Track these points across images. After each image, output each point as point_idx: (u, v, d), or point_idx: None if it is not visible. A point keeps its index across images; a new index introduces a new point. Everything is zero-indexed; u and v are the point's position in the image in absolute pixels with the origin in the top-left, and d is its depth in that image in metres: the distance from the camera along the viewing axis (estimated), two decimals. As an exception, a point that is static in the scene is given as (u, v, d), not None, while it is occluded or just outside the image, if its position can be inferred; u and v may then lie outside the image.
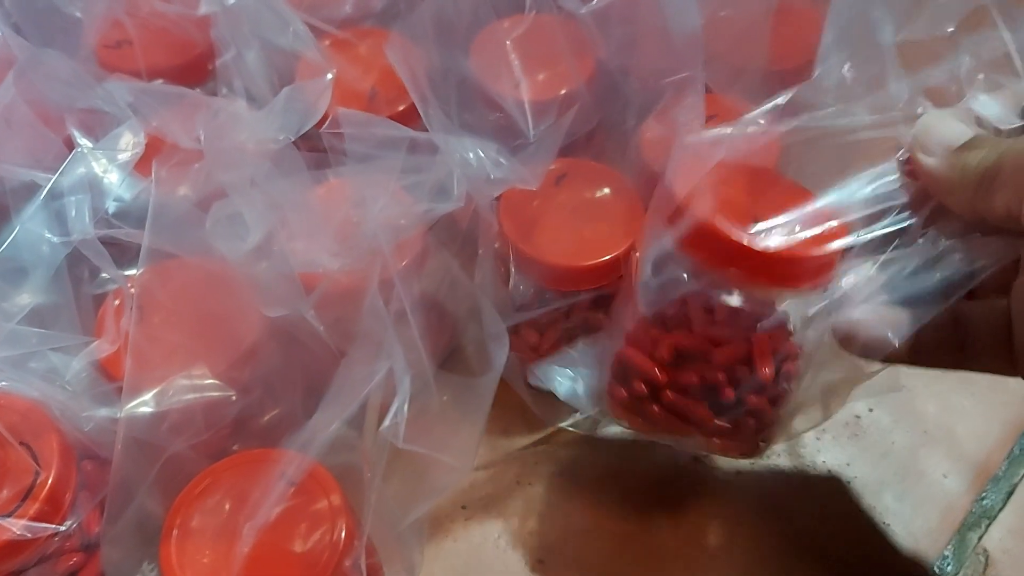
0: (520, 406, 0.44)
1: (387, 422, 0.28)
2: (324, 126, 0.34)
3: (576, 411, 0.45)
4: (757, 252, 0.31)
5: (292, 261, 0.30)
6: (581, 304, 0.43)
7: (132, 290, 0.33)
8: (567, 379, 0.40)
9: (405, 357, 0.28)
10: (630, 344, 0.37)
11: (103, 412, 0.34)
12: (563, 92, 0.42)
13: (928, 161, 0.31)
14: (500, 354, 0.32)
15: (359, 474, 0.33)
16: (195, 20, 0.45)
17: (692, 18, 0.32)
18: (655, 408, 0.37)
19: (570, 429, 0.45)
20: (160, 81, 0.47)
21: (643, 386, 0.37)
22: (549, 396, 0.44)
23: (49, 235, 0.31)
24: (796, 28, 0.46)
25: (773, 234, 0.31)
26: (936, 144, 0.31)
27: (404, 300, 0.29)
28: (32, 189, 0.36)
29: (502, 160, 0.36)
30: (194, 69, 0.48)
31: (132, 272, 0.35)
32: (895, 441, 0.46)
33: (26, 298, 0.32)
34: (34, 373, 0.34)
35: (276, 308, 0.31)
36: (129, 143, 0.33)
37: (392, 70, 0.47)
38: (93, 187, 0.31)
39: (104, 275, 0.39)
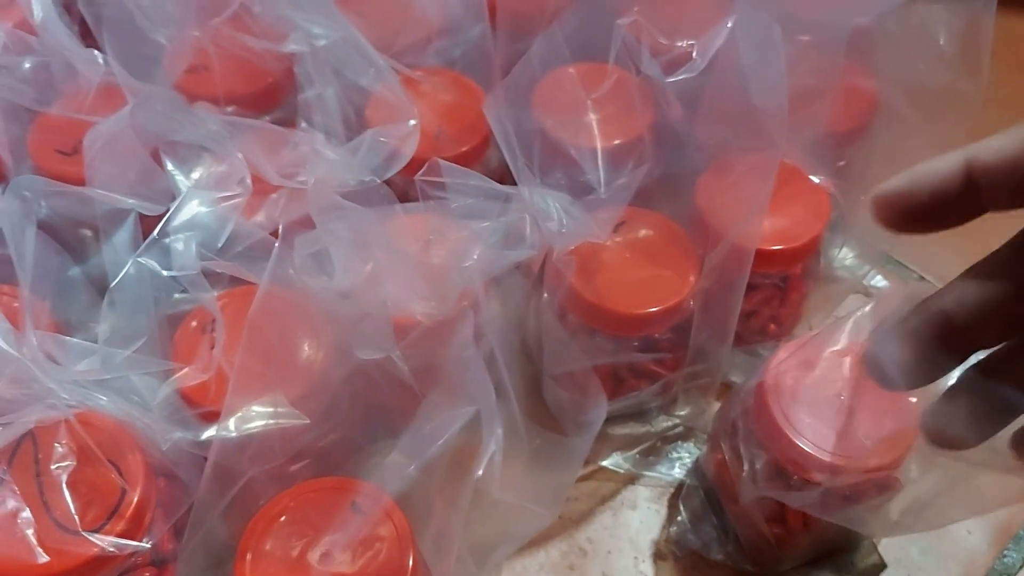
0: (556, 439, 0.45)
1: (481, 471, 0.29)
2: (420, 172, 0.35)
3: (618, 450, 0.47)
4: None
5: (388, 304, 0.32)
6: (629, 347, 0.45)
7: (223, 320, 0.34)
8: None
9: (496, 404, 0.30)
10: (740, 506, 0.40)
11: (182, 434, 0.35)
12: (633, 146, 0.43)
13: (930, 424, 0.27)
14: (596, 419, 0.33)
15: (411, 500, 0.35)
16: (273, 51, 0.47)
17: (780, 96, 0.34)
18: None
19: (611, 468, 0.47)
20: (233, 108, 0.48)
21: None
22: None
23: (159, 269, 0.32)
24: (849, 94, 0.48)
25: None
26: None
27: (495, 347, 0.31)
28: (123, 215, 0.37)
29: (575, 213, 0.38)
30: (267, 97, 0.49)
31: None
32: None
33: (118, 320, 0.33)
34: (117, 392, 0.35)
35: (370, 351, 0.33)
36: (235, 184, 0.34)
37: (456, 109, 0.49)
38: (199, 224, 0.33)
39: (176, 295, 0.40)
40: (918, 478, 0.37)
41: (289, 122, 0.48)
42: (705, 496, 0.44)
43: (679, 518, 0.43)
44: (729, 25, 0.36)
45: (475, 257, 0.32)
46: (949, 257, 0.47)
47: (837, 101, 0.46)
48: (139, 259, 0.32)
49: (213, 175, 0.35)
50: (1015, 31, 0.42)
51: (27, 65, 0.46)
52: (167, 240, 0.33)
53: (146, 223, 0.40)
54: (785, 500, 0.37)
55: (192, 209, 0.33)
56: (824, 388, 0.37)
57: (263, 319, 0.32)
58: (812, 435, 0.35)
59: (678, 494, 0.45)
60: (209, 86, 0.47)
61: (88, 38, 0.47)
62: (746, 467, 0.38)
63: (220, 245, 0.33)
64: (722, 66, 0.39)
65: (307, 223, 0.35)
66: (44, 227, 0.42)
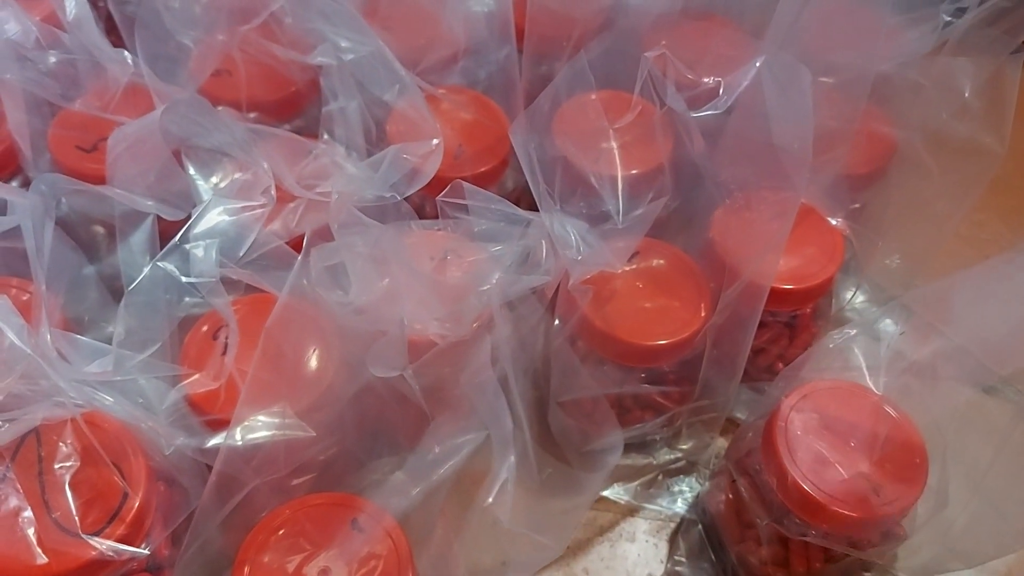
0: (566, 470, 0.45)
1: (491, 499, 0.29)
2: (442, 193, 0.35)
3: (618, 481, 0.47)
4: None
5: (404, 324, 0.32)
6: (636, 378, 0.45)
7: (237, 328, 0.34)
8: None
9: (511, 430, 0.29)
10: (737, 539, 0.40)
11: (186, 440, 0.35)
12: (652, 176, 0.43)
13: None
14: (614, 454, 0.33)
15: (413, 522, 0.35)
16: (299, 62, 0.47)
17: (804, 138, 0.34)
18: None
19: (611, 498, 0.46)
20: (255, 114, 0.49)
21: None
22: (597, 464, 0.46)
23: (178, 274, 0.32)
24: (868, 138, 0.49)
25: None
26: None
27: (509, 372, 0.31)
28: (141, 217, 0.37)
29: (592, 241, 0.38)
30: (289, 105, 0.49)
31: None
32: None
33: (133, 323, 0.33)
34: (123, 393, 0.35)
35: (383, 369, 0.32)
36: (259, 194, 0.34)
37: (476, 129, 0.49)
38: (220, 232, 0.33)
39: (188, 299, 0.40)
40: (921, 528, 0.37)
41: (309, 132, 0.48)
42: (705, 533, 0.44)
43: (677, 555, 0.43)
44: (757, 65, 0.36)
45: (494, 280, 0.32)
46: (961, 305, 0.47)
47: (856, 144, 0.46)
48: (158, 263, 0.32)
49: (237, 183, 0.35)
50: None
51: (52, 60, 0.46)
52: (188, 246, 0.32)
53: (162, 225, 0.40)
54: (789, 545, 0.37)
55: (215, 217, 0.33)
56: (834, 433, 0.37)
57: (280, 330, 0.32)
58: (819, 480, 0.35)
59: (677, 529, 0.45)
60: (233, 90, 0.48)
61: (111, 35, 0.47)
62: (752, 508, 0.38)
63: (241, 255, 0.33)
64: (747, 105, 0.39)
65: (328, 235, 0.35)
66: (59, 224, 0.42)
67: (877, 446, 0.36)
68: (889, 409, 0.37)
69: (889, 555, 0.37)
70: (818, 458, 0.36)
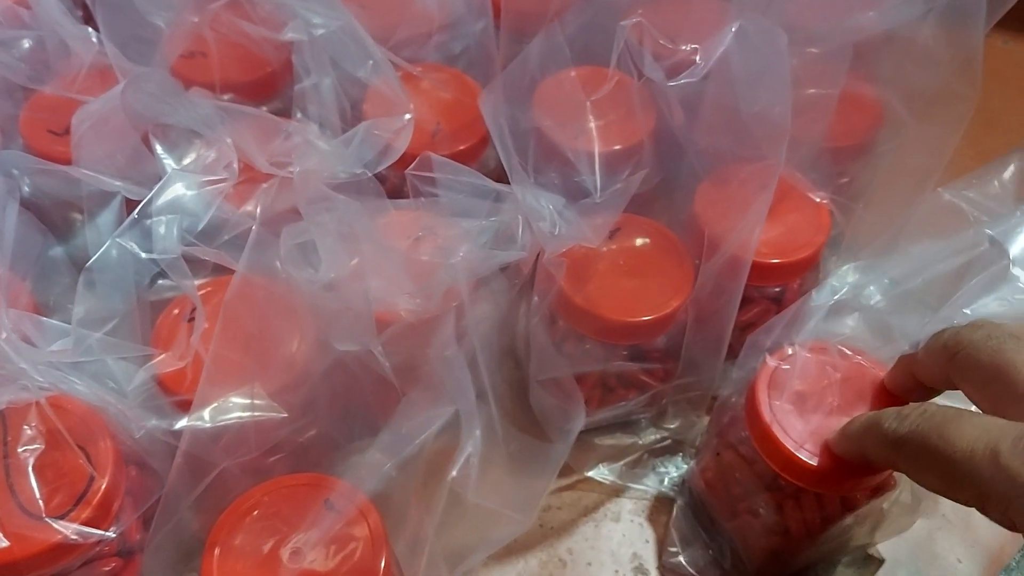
0: (531, 442, 0.44)
1: (455, 472, 0.29)
2: (410, 167, 0.34)
3: (603, 461, 0.46)
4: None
5: (370, 298, 0.31)
6: (619, 356, 0.44)
7: (202, 307, 0.33)
8: None
9: (476, 405, 0.29)
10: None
11: (156, 422, 0.34)
12: (631, 152, 0.43)
13: None
14: (576, 427, 0.32)
15: (387, 501, 0.34)
16: (272, 39, 0.46)
17: (783, 103, 0.33)
18: None
19: (596, 479, 0.46)
20: (230, 96, 0.48)
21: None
22: (581, 444, 0.45)
23: (138, 251, 0.31)
24: (854, 107, 0.48)
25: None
26: None
27: (477, 348, 0.30)
28: (108, 197, 0.36)
29: (569, 216, 0.37)
30: (264, 86, 0.49)
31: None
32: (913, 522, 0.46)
33: (94, 301, 0.33)
34: (92, 376, 0.35)
35: (347, 343, 0.32)
36: (222, 168, 0.34)
37: (455, 107, 0.48)
38: (182, 208, 0.32)
39: (162, 282, 0.39)
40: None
41: (286, 113, 0.47)
42: (694, 514, 0.43)
43: (671, 547, 0.42)
44: (733, 30, 0.35)
45: (461, 255, 0.31)
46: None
47: (841, 116, 0.45)
48: (118, 239, 0.31)
49: (201, 160, 0.34)
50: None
51: (24, 43, 0.46)
52: (148, 221, 0.32)
53: (132, 207, 0.39)
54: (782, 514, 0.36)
55: (176, 191, 0.33)
56: (816, 393, 0.36)
57: (240, 305, 0.31)
58: (805, 442, 0.34)
59: (662, 508, 0.44)
60: (206, 72, 0.47)
61: (92, 22, 0.46)
62: (741, 479, 0.37)
63: (200, 229, 0.32)
64: (724, 71, 0.38)
65: (294, 212, 0.34)
66: (31, 207, 0.41)
67: (859, 404, 0.35)
68: (869, 366, 0.37)
69: (881, 510, 0.37)
70: (802, 420, 0.35)
